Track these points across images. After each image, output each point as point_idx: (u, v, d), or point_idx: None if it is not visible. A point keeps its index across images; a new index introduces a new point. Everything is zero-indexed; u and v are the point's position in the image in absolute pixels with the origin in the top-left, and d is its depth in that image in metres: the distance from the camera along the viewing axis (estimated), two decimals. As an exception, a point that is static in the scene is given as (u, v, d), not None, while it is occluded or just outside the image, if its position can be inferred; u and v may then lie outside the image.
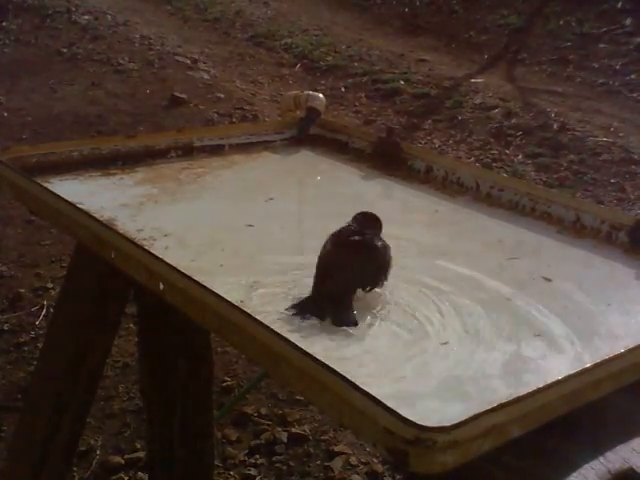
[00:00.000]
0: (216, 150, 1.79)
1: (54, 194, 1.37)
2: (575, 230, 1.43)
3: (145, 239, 1.30)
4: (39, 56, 6.60)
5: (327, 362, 0.87)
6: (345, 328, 1.07)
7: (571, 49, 6.55)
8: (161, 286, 1.12)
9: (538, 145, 4.82)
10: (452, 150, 4.85)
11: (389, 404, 0.80)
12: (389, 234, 1.24)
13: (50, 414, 1.63)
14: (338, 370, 0.86)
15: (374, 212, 1.26)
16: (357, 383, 0.83)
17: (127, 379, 2.69)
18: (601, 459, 0.87)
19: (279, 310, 1.11)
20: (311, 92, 1.97)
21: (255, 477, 2.30)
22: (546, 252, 1.36)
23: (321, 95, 1.95)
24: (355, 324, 1.08)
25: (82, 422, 1.71)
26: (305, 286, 1.17)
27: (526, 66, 6.41)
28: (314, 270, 1.16)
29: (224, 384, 2.65)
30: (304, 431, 2.46)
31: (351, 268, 1.16)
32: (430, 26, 7.57)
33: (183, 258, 1.22)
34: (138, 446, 2.39)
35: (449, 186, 1.63)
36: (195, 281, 1.07)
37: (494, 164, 4.60)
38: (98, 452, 2.38)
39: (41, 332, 2.88)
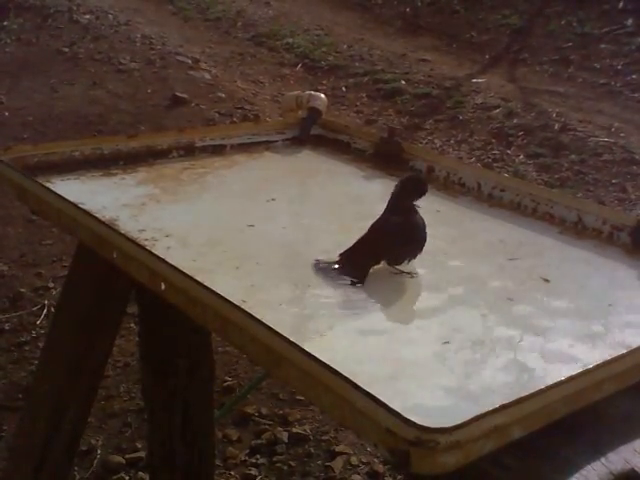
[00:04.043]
0: (217, 150, 1.79)
1: (56, 194, 1.37)
2: (577, 231, 1.43)
3: (147, 239, 1.30)
4: (40, 56, 6.59)
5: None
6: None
7: (572, 49, 6.54)
8: (162, 286, 1.12)
9: (539, 145, 4.82)
10: (453, 150, 4.85)
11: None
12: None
13: (51, 414, 1.64)
14: (339, 370, 0.86)
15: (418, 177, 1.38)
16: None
17: (128, 379, 2.69)
18: (603, 460, 0.87)
19: (280, 310, 1.11)
20: (312, 92, 1.97)
21: (256, 477, 2.30)
22: (548, 253, 1.36)
23: (322, 95, 1.94)
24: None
25: (83, 422, 1.71)
26: (305, 285, 1.18)
27: (527, 66, 6.40)
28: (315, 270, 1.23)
29: (225, 384, 2.65)
30: (305, 431, 2.46)
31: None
32: (431, 26, 7.56)
33: (184, 258, 1.22)
34: (139, 446, 2.40)
35: (451, 186, 1.63)
36: (196, 281, 1.07)
37: (495, 164, 4.60)
38: (99, 452, 2.38)
39: (42, 332, 2.88)
